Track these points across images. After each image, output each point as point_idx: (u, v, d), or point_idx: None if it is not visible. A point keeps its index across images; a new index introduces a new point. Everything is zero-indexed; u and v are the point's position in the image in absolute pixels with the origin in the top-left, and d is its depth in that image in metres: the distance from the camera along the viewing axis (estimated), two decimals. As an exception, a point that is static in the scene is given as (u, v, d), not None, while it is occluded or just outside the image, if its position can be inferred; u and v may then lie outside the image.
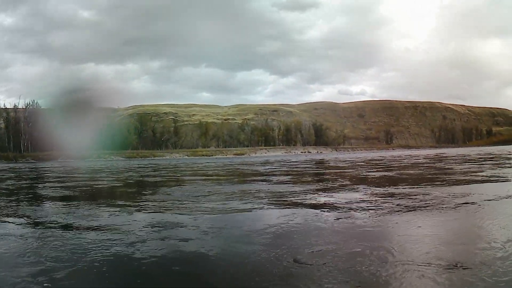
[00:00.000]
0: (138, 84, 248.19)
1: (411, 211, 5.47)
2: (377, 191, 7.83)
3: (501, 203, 6.07)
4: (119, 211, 6.05)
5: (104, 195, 8.98)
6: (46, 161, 59.85)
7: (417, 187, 8.33)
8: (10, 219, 5.49)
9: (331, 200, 6.79)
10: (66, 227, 4.90)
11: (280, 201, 6.70)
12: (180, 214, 5.70)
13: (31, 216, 5.84)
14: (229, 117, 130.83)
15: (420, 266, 2.96)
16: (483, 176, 10.38)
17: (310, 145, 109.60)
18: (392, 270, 2.93)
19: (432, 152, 51.93)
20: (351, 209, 5.80)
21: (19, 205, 7.38)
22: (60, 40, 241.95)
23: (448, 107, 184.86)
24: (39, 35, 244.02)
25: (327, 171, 16.83)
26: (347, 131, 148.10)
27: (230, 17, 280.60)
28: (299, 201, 6.75)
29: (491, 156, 25.82)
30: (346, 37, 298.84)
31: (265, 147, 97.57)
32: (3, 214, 6.02)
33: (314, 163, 25.88)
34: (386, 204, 6.09)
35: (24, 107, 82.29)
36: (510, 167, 14.21)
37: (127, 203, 7.14)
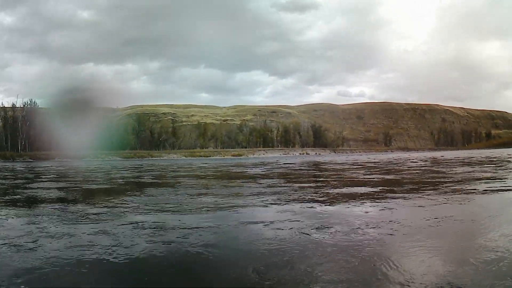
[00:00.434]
0: (137, 84, 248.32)
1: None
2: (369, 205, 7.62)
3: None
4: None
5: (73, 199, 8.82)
6: (43, 160, 59.76)
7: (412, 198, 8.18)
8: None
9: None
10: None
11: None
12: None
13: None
14: (227, 118, 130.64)
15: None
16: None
17: (308, 147, 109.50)
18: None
19: (431, 154, 51.81)
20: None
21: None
22: (60, 40, 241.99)
23: (447, 109, 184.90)
24: (38, 35, 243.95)
25: (319, 173, 16.69)
26: (346, 132, 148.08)
27: (229, 18, 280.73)
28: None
29: (491, 159, 25.61)
30: (345, 38, 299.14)
31: (263, 148, 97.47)
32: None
33: (309, 165, 25.73)
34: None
35: (22, 106, 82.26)
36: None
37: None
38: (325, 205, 6.57)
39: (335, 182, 10.91)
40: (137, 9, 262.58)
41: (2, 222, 5.30)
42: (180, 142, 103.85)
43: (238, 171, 19.08)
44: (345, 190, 8.75)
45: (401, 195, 7.66)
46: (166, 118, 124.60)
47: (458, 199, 6.75)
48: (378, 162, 27.27)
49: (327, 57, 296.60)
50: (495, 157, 28.62)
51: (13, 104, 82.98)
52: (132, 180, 13.79)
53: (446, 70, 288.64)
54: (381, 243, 3.80)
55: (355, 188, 9.06)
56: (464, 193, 7.43)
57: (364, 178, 11.99)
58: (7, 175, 18.17)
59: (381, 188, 8.83)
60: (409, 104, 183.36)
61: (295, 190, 8.75)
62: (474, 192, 7.59)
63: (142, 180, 13.55)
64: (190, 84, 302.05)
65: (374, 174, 14.06)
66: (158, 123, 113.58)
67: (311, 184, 10.54)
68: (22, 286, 2.87)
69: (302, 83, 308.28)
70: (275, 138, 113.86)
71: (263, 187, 9.82)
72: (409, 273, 2.97)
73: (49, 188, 10.61)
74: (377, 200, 7.02)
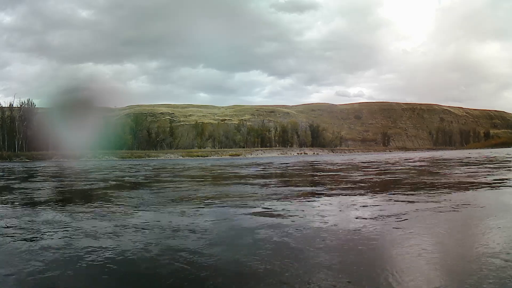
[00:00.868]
0: (135, 84, 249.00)
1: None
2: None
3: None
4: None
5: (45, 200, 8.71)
6: (40, 160, 59.70)
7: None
8: None
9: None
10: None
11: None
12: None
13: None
14: (225, 118, 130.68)
15: None
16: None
17: (306, 147, 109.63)
18: None
19: (429, 154, 51.71)
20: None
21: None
22: (59, 40, 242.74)
23: (446, 109, 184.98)
24: (37, 34, 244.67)
25: (306, 174, 16.60)
26: (344, 132, 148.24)
27: (228, 18, 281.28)
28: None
29: (490, 159, 25.40)
30: (344, 39, 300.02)
31: (261, 148, 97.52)
32: None
33: (303, 165, 25.64)
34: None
35: (19, 106, 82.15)
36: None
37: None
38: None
39: (328, 183, 10.81)
40: (136, 9, 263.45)
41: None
42: (177, 142, 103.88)
43: (229, 172, 19.00)
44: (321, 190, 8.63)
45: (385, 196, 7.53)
46: (164, 118, 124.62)
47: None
48: (373, 162, 27.16)
49: (326, 58, 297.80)
50: (494, 157, 28.44)
51: (11, 104, 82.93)
52: (114, 181, 13.68)
53: (445, 71, 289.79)
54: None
55: (332, 188, 8.96)
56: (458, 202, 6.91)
57: (355, 179, 11.92)
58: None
59: (361, 191, 8.72)
60: (407, 104, 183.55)
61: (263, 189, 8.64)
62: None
63: (126, 180, 13.44)
64: (189, 84, 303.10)
65: (367, 175, 13.97)
66: (155, 122, 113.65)
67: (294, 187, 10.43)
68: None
69: (300, 83, 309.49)
70: (273, 138, 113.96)
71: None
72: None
73: (26, 188, 10.49)
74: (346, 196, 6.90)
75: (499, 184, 8.77)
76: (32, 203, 7.38)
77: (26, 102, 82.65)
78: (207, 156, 76.10)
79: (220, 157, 74.70)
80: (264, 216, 5.31)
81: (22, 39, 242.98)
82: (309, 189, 9.51)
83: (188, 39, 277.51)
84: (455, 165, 19.20)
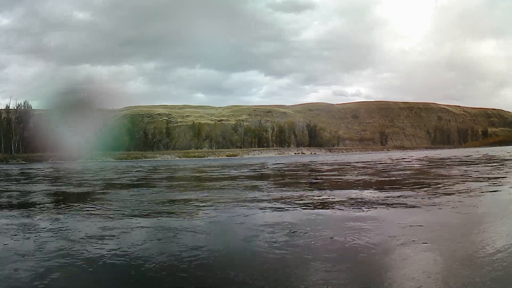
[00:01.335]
0: (133, 85, 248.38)
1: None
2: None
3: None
4: None
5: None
6: (37, 162, 59.55)
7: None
8: None
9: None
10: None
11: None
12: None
13: None
14: (223, 118, 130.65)
15: None
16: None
17: (304, 146, 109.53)
18: None
19: (427, 153, 51.71)
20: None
21: None
22: (56, 41, 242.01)
23: (444, 108, 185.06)
24: (35, 36, 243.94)
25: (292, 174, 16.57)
26: (342, 132, 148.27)
27: (225, 18, 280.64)
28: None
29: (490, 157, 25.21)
30: (342, 38, 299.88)
31: (258, 148, 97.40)
32: None
33: (294, 166, 25.63)
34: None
35: (15, 108, 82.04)
36: None
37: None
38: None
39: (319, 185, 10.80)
40: (133, 9, 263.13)
41: None
42: (174, 142, 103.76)
43: (219, 173, 18.98)
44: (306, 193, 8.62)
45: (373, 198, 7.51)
46: (161, 119, 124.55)
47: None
48: (369, 162, 27.15)
49: (323, 57, 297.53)
50: (493, 156, 28.35)
51: (7, 105, 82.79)
52: (103, 182, 13.67)
53: (442, 70, 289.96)
54: None
55: (314, 189, 8.93)
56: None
57: (349, 180, 11.92)
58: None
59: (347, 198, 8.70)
60: (405, 103, 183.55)
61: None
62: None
63: (114, 183, 13.41)
64: (186, 85, 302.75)
65: (361, 176, 13.96)
66: (152, 123, 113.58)
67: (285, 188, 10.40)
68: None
69: (298, 83, 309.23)
70: (270, 138, 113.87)
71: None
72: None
73: (11, 191, 10.47)
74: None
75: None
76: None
77: (23, 104, 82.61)
78: (203, 157, 76.03)
79: (217, 157, 74.66)
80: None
81: (19, 40, 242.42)
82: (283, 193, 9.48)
83: (185, 39, 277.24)
84: (459, 173, 19.17)
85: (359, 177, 12.77)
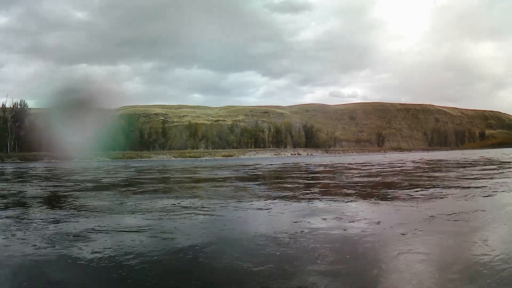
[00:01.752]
0: (130, 85, 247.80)
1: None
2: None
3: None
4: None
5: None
6: (32, 161, 59.49)
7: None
8: None
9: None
10: None
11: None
12: None
13: None
14: (219, 119, 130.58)
15: None
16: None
17: (300, 147, 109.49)
18: None
19: (423, 155, 51.68)
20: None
21: None
22: (54, 41, 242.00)
23: (441, 109, 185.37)
24: (33, 36, 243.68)
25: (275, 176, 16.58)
26: (338, 133, 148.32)
27: (222, 19, 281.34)
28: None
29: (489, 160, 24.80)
30: (339, 39, 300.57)
31: (254, 149, 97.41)
32: None
33: (281, 166, 25.62)
34: None
35: (12, 107, 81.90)
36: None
37: None
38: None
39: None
40: (130, 10, 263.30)
41: None
42: (171, 142, 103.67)
43: (209, 174, 19.00)
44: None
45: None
46: (157, 119, 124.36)
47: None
48: (361, 163, 27.15)
49: (320, 58, 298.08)
50: (491, 158, 28.24)
51: (3, 104, 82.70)
52: (86, 184, 13.68)
53: (440, 71, 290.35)
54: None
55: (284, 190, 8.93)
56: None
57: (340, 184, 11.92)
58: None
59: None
60: (402, 104, 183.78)
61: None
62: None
63: (98, 184, 13.42)
64: (183, 85, 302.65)
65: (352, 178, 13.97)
66: (148, 123, 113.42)
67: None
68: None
69: (295, 83, 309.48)
70: (267, 139, 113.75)
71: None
72: None
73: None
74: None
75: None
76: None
77: (19, 103, 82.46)
78: (199, 157, 75.98)
79: (213, 158, 74.65)
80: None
81: (17, 40, 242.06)
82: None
83: (182, 40, 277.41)
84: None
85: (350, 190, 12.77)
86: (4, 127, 78.17)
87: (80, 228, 5.14)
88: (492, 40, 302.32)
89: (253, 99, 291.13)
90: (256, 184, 11.81)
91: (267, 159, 58.16)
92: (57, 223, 5.57)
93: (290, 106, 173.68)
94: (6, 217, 6.17)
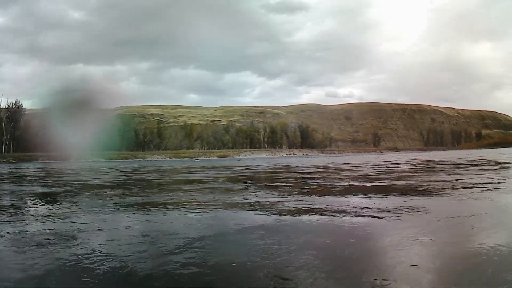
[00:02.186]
0: (126, 85, 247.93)
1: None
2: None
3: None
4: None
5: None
6: (27, 162, 59.46)
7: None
8: None
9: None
10: None
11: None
12: None
13: None
14: (215, 119, 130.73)
15: None
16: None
17: (296, 147, 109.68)
18: None
19: (419, 155, 51.61)
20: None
21: None
22: (51, 41, 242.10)
23: (437, 109, 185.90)
24: (29, 35, 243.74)
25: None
26: (334, 133, 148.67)
27: (218, 19, 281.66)
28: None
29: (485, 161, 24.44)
30: (335, 40, 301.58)
31: (249, 149, 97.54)
32: None
33: (271, 168, 25.72)
34: None
35: (6, 107, 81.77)
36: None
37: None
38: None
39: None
40: (127, 10, 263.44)
41: None
42: (166, 143, 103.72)
43: (198, 175, 19.08)
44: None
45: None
46: (153, 119, 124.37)
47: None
48: (354, 164, 27.24)
49: (316, 58, 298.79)
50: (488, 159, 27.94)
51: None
52: (72, 186, 13.77)
53: (437, 71, 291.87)
54: None
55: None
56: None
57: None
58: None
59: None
60: (398, 105, 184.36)
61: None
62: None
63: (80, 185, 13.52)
64: (179, 85, 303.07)
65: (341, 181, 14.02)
66: (144, 123, 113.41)
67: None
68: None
69: (291, 84, 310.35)
70: (262, 139, 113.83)
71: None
72: None
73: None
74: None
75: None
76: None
77: (14, 103, 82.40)
78: (194, 157, 76.05)
79: (207, 158, 74.73)
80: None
81: (14, 40, 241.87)
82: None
83: (179, 40, 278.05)
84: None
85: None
86: (-1, 127, 78.15)
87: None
88: (489, 41, 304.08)
89: (249, 99, 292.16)
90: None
91: (261, 159, 58.20)
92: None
93: (286, 106, 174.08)
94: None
